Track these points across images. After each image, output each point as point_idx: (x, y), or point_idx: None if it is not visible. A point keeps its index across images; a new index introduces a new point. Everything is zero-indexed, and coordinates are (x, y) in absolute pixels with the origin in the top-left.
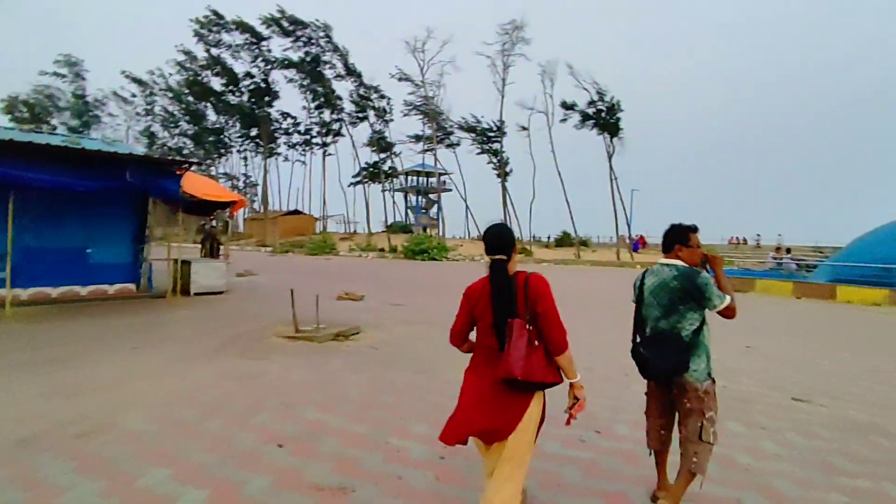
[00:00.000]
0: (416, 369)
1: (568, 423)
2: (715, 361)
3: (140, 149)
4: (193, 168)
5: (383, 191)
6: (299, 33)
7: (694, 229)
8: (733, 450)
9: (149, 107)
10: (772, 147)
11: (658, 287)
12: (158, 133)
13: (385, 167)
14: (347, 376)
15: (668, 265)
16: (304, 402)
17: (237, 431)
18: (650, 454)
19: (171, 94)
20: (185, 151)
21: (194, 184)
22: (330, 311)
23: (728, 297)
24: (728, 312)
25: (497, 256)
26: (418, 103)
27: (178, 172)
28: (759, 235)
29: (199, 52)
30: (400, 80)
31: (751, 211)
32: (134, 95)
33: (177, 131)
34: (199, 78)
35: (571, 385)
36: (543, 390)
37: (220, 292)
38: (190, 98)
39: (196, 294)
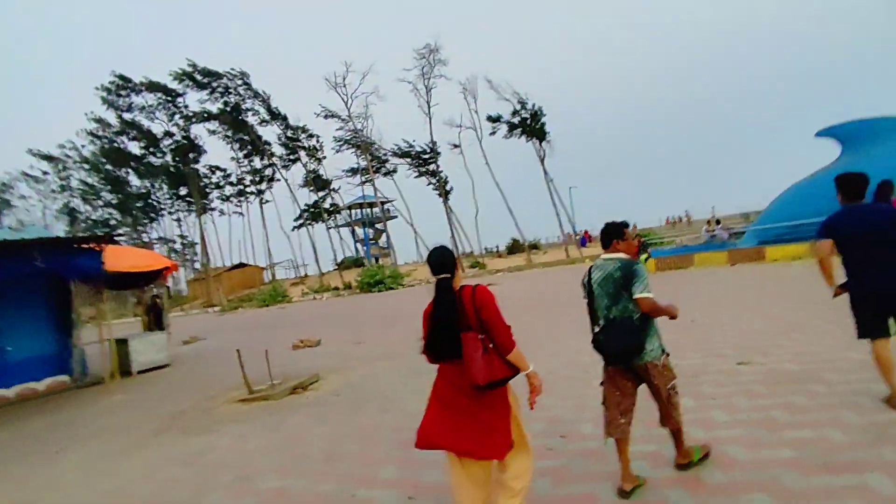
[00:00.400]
0: (381, 408)
1: (531, 408)
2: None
3: (60, 227)
4: (124, 238)
5: (328, 228)
6: (215, 84)
7: (626, 224)
8: (687, 426)
9: (64, 182)
10: (691, 125)
11: (604, 279)
12: (79, 208)
13: (326, 205)
14: (308, 431)
15: (610, 259)
16: (262, 471)
17: None
18: (605, 443)
19: (86, 166)
20: (112, 222)
21: (119, 257)
22: (287, 363)
23: (651, 295)
24: (644, 304)
25: (442, 276)
26: (348, 137)
27: (96, 248)
28: (687, 212)
29: (112, 118)
30: (326, 117)
31: (683, 188)
32: (45, 173)
33: (100, 203)
34: (115, 144)
35: (527, 375)
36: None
37: (165, 365)
38: (108, 166)
39: (139, 372)
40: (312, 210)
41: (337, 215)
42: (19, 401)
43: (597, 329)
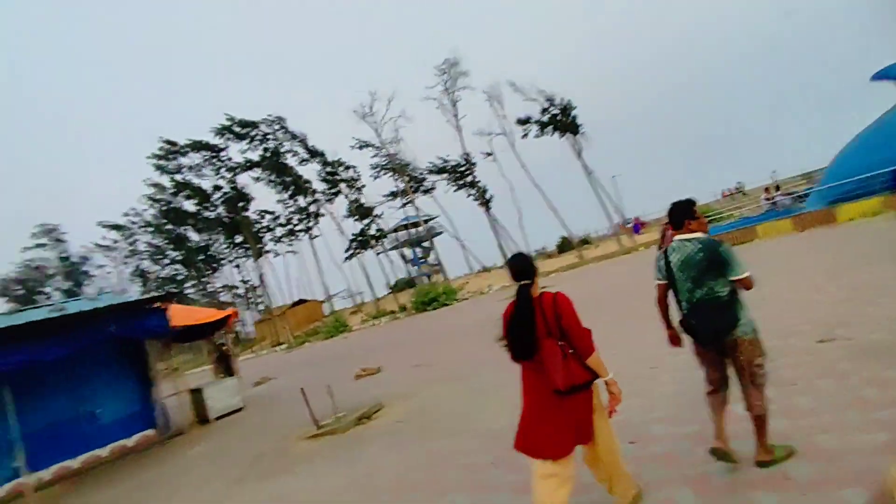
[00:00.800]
0: (450, 431)
1: (610, 415)
2: None
3: (135, 289)
4: (192, 291)
5: (377, 254)
6: (253, 133)
7: (693, 202)
8: (770, 417)
9: (132, 247)
10: (735, 91)
11: (684, 262)
12: (149, 268)
13: (371, 231)
14: (380, 462)
15: (688, 240)
16: None
17: None
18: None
19: (150, 229)
20: (179, 278)
21: (181, 313)
22: (353, 394)
23: (750, 273)
24: (746, 282)
25: (522, 282)
26: (384, 163)
27: (161, 307)
28: (740, 182)
29: (166, 181)
30: (360, 147)
31: (738, 158)
32: (116, 241)
33: (166, 261)
34: (172, 205)
35: (606, 383)
36: (591, 386)
37: (240, 409)
38: (169, 226)
39: (216, 419)
40: (360, 238)
41: (384, 240)
42: (113, 458)
43: (684, 313)
